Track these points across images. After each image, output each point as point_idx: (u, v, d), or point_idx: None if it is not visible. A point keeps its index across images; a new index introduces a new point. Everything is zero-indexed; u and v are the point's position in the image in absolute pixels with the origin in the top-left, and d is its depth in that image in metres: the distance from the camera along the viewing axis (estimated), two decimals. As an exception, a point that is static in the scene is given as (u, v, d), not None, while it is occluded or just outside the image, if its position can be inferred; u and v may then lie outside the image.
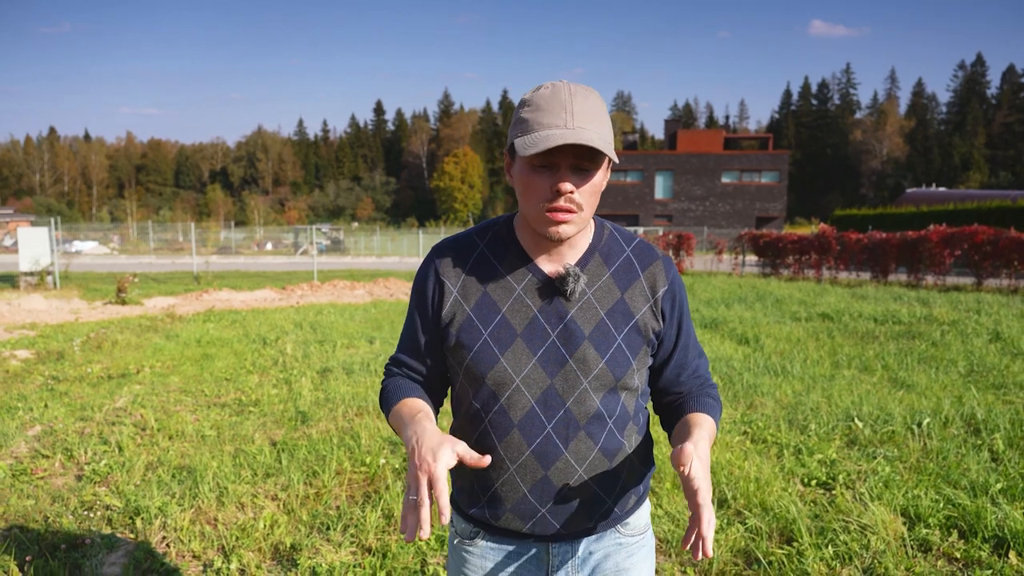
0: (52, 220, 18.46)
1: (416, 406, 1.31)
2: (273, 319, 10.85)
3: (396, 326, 9.82)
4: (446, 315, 1.34)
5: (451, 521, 1.45)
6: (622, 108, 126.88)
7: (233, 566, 2.98)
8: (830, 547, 2.98)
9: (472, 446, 1.35)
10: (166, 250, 43.04)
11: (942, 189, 47.49)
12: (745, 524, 3.27)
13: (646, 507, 1.47)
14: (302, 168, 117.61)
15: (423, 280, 1.38)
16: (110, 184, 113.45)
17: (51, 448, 4.52)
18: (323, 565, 2.95)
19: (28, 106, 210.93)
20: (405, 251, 45.91)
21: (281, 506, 3.59)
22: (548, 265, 1.33)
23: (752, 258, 20.71)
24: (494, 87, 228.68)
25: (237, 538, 3.22)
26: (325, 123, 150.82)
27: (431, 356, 1.40)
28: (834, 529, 3.15)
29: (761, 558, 2.94)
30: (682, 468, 1.10)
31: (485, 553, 1.40)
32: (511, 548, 1.39)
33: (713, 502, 3.55)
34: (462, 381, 1.37)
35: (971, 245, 15.43)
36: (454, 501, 1.44)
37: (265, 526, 3.32)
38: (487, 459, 1.15)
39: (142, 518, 3.38)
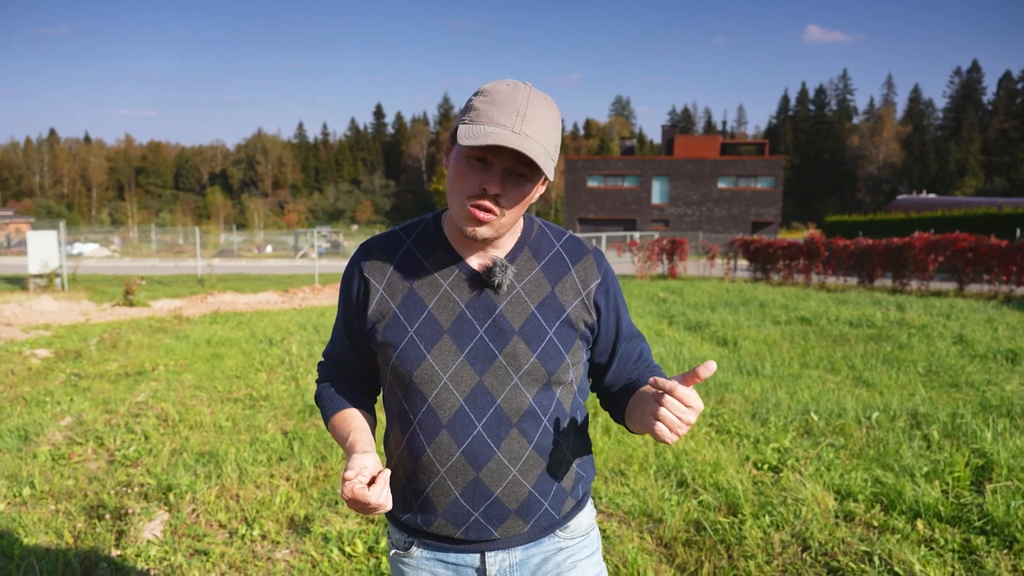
0: (60, 224, 18.91)
1: (348, 427, 1.34)
2: (277, 321, 11.33)
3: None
4: (372, 313, 1.31)
5: (387, 532, 1.48)
6: (620, 113, 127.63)
7: (256, 533, 3.46)
8: (767, 517, 3.48)
9: (402, 450, 1.33)
10: (167, 252, 43.50)
11: (932, 196, 48.22)
12: (699, 499, 3.76)
13: (588, 509, 1.44)
14: (301, 171, 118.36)
15: (348, 279, 1.36)
16: (110, 186, 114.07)
17: (83, 436, 5.01)
18: (333, 532, 3.44)
19: (29, 108, 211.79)
20: (404, 254, 46.25)
21: (295, 485, 4.07)
22: (475, 260, 1.30)
23: (744, 263, 21.16)
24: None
25: (257, 511, 3.70)
26: (325, 126, 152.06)
27: (360, 354, 1.39)
28: (773, 503, 3.65)
29: (708, 526, 3.43)
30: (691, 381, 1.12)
31: (420, 564, 1.37)
32: (446, 557, 1.35)
33: (672, 479, 4.03)
34: (390, 381, 1.33)
35: (953, 252, 15.92)
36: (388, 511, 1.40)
37: (281, 501, 3.81)
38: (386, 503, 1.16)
39: (174, 493, 3.87)
